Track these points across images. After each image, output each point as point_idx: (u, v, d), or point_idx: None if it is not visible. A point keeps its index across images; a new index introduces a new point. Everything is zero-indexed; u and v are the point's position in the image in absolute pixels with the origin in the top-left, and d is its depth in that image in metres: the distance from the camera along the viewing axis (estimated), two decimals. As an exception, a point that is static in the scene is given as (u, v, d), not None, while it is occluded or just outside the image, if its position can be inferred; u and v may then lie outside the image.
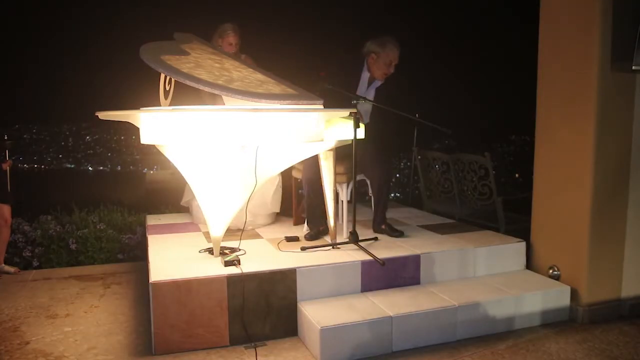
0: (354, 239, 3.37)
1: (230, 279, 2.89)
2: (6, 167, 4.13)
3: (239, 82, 3.05)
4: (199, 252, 3.36)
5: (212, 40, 4.10)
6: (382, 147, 3.90)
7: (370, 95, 3.84)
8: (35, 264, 4.41)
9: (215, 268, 3.00)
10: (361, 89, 3.83)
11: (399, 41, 3.79)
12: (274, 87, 3.15)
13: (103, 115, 3.01)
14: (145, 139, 3.01)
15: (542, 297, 3.18)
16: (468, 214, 4.67)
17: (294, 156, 3.22)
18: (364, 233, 3.74)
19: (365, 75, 3.83)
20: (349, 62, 3.92)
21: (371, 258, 3.18)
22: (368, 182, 3.99)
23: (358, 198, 3.63)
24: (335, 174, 3.57)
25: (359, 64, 3.83)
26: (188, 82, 2.86)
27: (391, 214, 4.64)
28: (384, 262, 3.17)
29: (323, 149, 3.36)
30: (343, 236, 3.69)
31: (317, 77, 3.72)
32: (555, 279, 3.40)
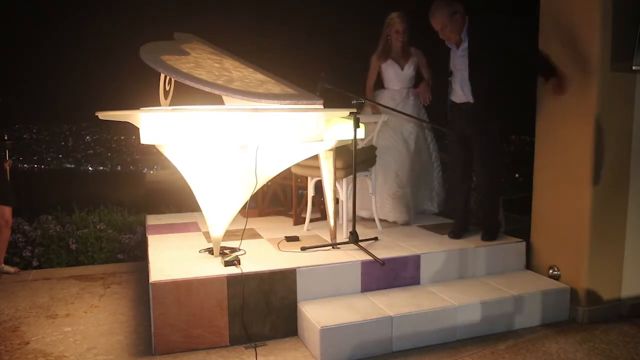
0: (354, 239, 3.37)
1: (230, 279, 2.89)
2: (6, 166, 4.12)
3: (239, 82, 3.05)
4: (199, 252, 3.36)
5: (382, 33, 4.27)
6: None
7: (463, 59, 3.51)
8: (35, 264, 4.41)
9: (215, 268, 3.00)
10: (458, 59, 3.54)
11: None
12: (274, 87, 3.15)
13: (103, 115, 3.01)
14: (145, 139, 3.01)
15: (542, 297, 3.18)
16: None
17: (294, 156, 3.22)
18: (364, 233, 3.74)
19: (453, 45, 3.55)
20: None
21: (371, 258, 3.18)
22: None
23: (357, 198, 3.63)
24: (335, 169, 3.55)
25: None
26: (188, 82, 2.86)
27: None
28: (384, 262, 3.17)
29: (323, 149, 3.36)
30: (343, 236, 3.69)
31: (318, 76, 3.67)
32: (555, 279, 3.39)
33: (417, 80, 4.33)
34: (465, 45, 3.49)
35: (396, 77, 4.28)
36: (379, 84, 4.42)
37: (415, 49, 4.30)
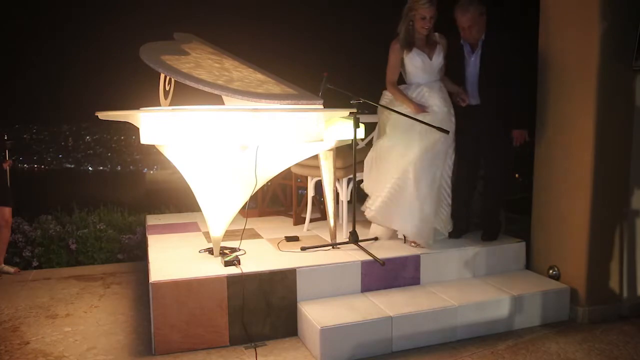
0: (354, 239, 3.37)
1: (230, 279, 2.89)
2: (6, 166, 4.12)
3: (239, 82, 3.05)
4: (199, 252, 3.36)
5: (402, 19, 3.49)
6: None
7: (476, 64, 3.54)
8: (35, 264, 4.41)
9: (215, 268, 3.00)
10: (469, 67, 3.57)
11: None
12: (274, 87, 3.15)
13: (103, 115, 3.02)
14: (145, 139, 3.01)
15: (542, 297, 3.18)
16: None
17: (294, 156, 3.22)
18: (364, 233, 3.74)
19: (468, 47, 3.55)
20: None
21: (371, 258, 3.18)
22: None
23: (358, 198, 3.62)
24: (335, 169, 3.55)
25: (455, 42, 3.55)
26: (188, 82, 2.86)
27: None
28: (384, 262, 3.17)
29: (323, 149, 3.36)
30: (343, 236, 3.69)
31: (320, 76, 3.60)
32: (555, 279, 3.39)
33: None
34: (479, 51, 3.51)
35: (424, 69, 3.50)
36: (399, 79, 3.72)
37: (440, 34, 3.57)
